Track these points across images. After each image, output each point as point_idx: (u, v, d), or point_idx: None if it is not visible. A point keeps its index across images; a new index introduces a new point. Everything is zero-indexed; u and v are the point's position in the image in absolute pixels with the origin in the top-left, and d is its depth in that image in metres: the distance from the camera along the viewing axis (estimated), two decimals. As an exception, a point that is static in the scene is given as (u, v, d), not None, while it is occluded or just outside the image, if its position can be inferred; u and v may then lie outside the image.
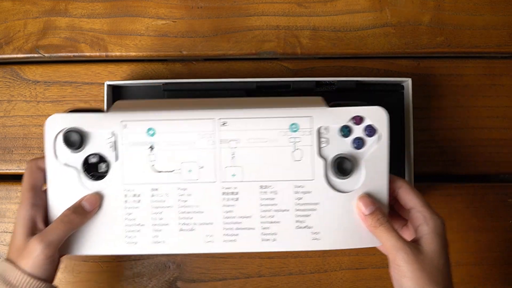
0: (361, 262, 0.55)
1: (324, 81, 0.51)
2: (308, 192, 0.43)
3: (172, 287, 0.55)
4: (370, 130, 0.42)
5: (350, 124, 0.42)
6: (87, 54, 0.56)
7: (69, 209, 0.42)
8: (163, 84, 0.51)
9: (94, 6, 0.56)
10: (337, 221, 0.42)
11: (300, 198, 0.43)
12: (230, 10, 0.56)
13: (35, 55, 0.56)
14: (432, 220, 0.42)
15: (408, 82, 0.51)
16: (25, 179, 0.43)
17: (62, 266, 0.55)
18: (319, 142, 0.42)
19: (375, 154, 0.42)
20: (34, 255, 0.40)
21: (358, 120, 0.42)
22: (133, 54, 0.56)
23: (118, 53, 0.56)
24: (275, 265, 0.55)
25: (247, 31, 0.56)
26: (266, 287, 0.55)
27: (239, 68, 0.56)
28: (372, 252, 0.55)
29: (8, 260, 0.41)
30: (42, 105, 0.56)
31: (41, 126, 0.56)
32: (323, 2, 0.56)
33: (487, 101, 0.56)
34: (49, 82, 0.56)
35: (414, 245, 0.41)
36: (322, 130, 0.42)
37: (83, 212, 0.42)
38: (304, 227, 0.43)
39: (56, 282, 0.55)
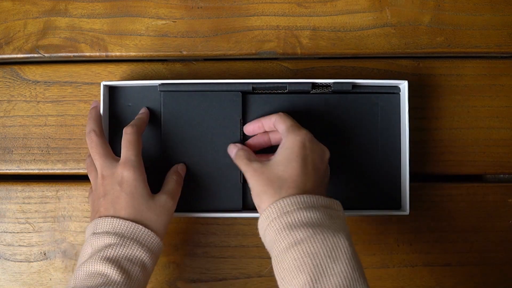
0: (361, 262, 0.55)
1: (320, 83, 0.51)
2: None
3: (172, 287, 0.55)
4: None
5: None
6: (87, 54, 0.56)
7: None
8: (159, 84, 0.51)
9: (94, 6, 0.56)
10: None
11: None
12: (230, 10, 0.56)
13: (35, 55, 0.56)
14: (286, 138, 0.45)
15: (404, 84, 0.51)
16: (137, 146, 0.47)
17: (62, 266, 0.55)
18: None
19: None
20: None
21: None
22: (133, 54, 0.56)
23: (118, 53, 0.56)
24: (275, 265, 0.55)
25: (247, 31, 0.56)
26: (266, 287, 0.55)
27: (239, 68, 0.56)
28: (372, 252, 0.55)
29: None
30: (42, 105, 0.56)
31: (41, 126, 0.56)
32: (323, 2, 0.56)
33: (487, 101, 0.56)
34: (49, 82, 0.56)
35: (262, 163, 0.44)
36: None
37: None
38: None
39: (56, 282, 0.55)
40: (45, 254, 0.55)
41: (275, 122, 0.48)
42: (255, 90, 0.52)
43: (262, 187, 0.43)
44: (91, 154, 0.48)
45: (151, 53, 0.56)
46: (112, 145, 0.52)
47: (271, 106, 0.53)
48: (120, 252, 0.42)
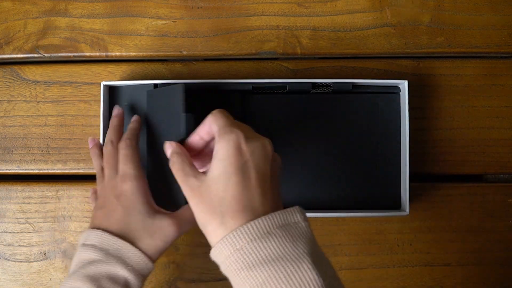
0: (361, 262, 0.55)
1: (320, 82, 0.51)
2: None
3: (172, 287, 0.55)
4: None
5: None
6: (87, 54, 0.56)
7: None
8: (159, 84, 0.51)
9: (94, 6, 0.56)
10: None
11: None
12: (230, 10, 0.56)
13: (35, 55, 0.56)
14: (218, 144, 0.37)
15: (404, 84, 0.51)
16: (134, 159, 0.45)
17: (62, 266, 0.55)
18: None
19: None
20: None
21: None
22: (133, 54, 0.56)
23: (118, 53, 0.56)
24: (275, 265, 0.55)
25: (247, 31, 0.56)
26: (266, 287, 0.55)
27: (239, 68, 0.56)
28: (372, 252, 0.55)
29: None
30: (42, 105, 0.56)
31: (41, 126, 0.56)
32: (323, 2, 0.56)
33: (487, 101, 0.56)
34: (49, 82, 0.56)
35: (199, 178, 0.38)
36: None
37: None
38: None
39: (56, 282, 0.55)
40: (45, 254, 0.55)
41: (210, 124, 0.40)
42: (255, 90, 0.52)
43: (204, 215, 0.37)
44: (104, 164, 0.47)
45: (151, 53, 0.56)
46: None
47: (271, 106, 0.53)
48: (102, 269, 0.41)
